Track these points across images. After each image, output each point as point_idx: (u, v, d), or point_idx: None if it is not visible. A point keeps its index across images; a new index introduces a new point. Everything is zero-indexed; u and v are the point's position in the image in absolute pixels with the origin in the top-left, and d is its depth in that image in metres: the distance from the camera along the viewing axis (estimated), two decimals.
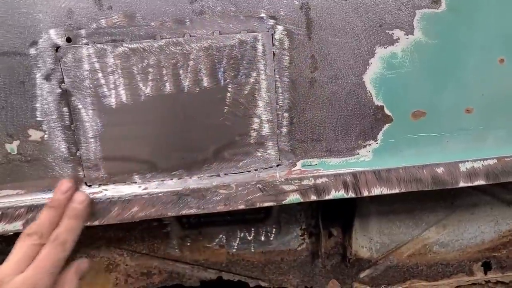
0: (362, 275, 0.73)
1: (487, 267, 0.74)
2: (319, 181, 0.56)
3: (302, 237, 0.71)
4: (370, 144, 0.56)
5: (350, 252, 0.71)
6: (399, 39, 0.52)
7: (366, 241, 0.71)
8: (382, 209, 0.70)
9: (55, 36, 0.49)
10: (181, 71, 0.51)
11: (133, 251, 0.70)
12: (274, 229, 0.71)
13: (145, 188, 0.55)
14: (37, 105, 0.51)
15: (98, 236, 0.68)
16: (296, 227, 0.71)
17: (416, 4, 0.51)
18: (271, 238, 0.71)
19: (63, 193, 0.49)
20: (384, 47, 0.52)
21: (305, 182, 0.56)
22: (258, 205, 0.56)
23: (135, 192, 0.55)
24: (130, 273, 0.71)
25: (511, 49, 0.53)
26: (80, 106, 0.51)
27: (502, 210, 0.72)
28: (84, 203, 0.50)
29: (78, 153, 0.53)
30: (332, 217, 0.70)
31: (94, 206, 0.53)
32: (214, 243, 0.72)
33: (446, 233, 0.72)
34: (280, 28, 0.51)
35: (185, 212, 0.55)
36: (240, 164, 0.56)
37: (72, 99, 0.51)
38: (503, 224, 0.72)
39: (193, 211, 0.55)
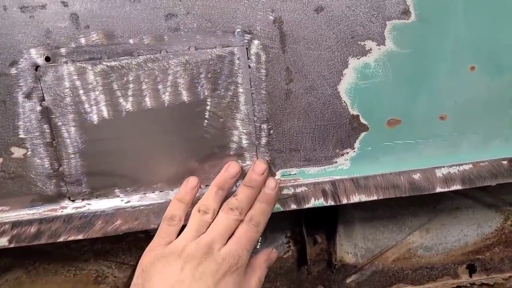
0: (348, 280, 0.74)
1: (471, 269, 0.75)
2: (298, 190, 0.57)
3: (287, 245, 0.72)
4: (347, 153, 0.57)
5: (335, 258, 0.71)
6: (371, 49, 0.53)
7: (350, 247, 0.72)
8: (365, 214, 0.71)
9: (34, 55, 0.50)
10: (160, 86, 0.52)
11: (121, 263, 0.71)
12: (260, 238, 0.72)
13: (128, 202, 0.56)
14: (19, 123, 0.52)
15: (86, 249, 0.69)
16: (281, 235, 0.72)
17: (387, 15, 0.52)
18: (257, 247, 0.71)
19: (260, 174, 0.52)
20: (357, 58, 0.53)
21: (284, 192, 0.57)
22: None
23: (118, 205, 0.56)
24: (119, 285, 0.72)
25: (482, 57, 0.54)
26: (60, 123, 0.52)
27: (484, 213, 0.73)
28: (275, 189, 0.53)
29: (60, 169, 0.54)
30: (316, 224, 0.71)
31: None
32: None
33: (429, 237, 0.73)
34: (255, 42, 0.52)
35: None
36: None
37: (53, 116, 0.52)
38: (485, 227, 0.73)
39: None
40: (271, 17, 0.51)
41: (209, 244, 0.47)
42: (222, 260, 0.47)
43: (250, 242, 0.49)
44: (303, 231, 0.70)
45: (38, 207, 0.55)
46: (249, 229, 0.50)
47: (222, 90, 0.53)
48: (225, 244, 0.48)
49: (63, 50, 0.50)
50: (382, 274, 0.74)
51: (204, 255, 0.46)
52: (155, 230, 0.53)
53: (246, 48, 0.52)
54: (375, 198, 0.57)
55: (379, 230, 0.72)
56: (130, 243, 0.70)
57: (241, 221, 0.50)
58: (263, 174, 0.52)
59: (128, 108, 0.53)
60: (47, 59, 0.50)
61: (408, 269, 0.74)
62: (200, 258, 0.46)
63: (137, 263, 0.69)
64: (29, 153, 0.53)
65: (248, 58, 0.52)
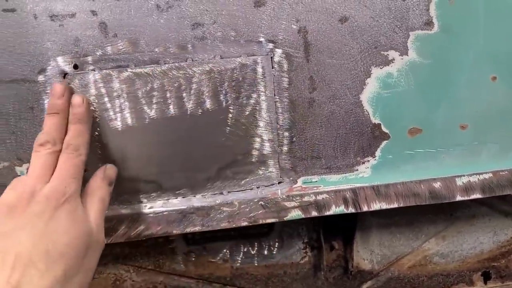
0: (364, 286, 0.74)
1: (486, 276, 0.75)
2: (319, 197, 0.57)
3: (304, 251, 0.73)
4: (368, 161, 0.58)
5: (351, 265, 0.72)
6: (394, 59, 0.53)
7: (367, 254, 0.73)
8: (382, 221, 0.72)
9: (62, 63, 0.51)
10: (184, 94, 0.53)
11: (139, 267, 0.71)
12: (277, 243, 0.72)
13: (151, 207, 0.57)
14: None
15: (105, 253, 0.69)
16: (298, 241, 0.72)
17: (410, 26, 0.52)
18: (274, 252, 0.73)
19: (59, 97, 0.48)
20: (380, 68, 0.54)
21: (306, 199, 0.57)
22: (260, 222, 0.57)
23: (141, 211, 0.56)
24: None
25: (503, 67, 0.55)
26: None
27: (500, 221, 0.73)
28: (84, 105, 0.49)
29: (85, 174, 0.54)
30: (333, 230, 0.72)
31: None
32: (218, 258, 0.73)
33: (445, 244, 0.73)
34: (279, 51, 0.53)
35: (189, 230, 0.57)
36: (243, 182, 0.57)
37: None
38: (501, 235, 0.73)
39: (197, 228, 0.57)
40: (295, 26, 0.52)
41: (30, 190, 0.44)
42: (45, 199, 0.43)
43: (74, 169, 0.46)
44: (320, 237, 0.71)
45: None
46: (69, 156, 0.47)
47: (245, 98, 0.54)
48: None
49: (90, 58, 0.51)
50: (397, 280, 0.74)
51: (26, 202, 0.43)
52: (176, 235, 0.54)
53: (271, 57, 0.52)
54: (395, 206, 0.58)
55: (396, 236, 0.73)
56: (148, 248, 0.71)
57: (60, 151, 0.47)
58: (63, 95, 0.48)
59: (152, 116, 0.53)
60: (75, 66, 0.51)
61: (424, 276, 0.74)
62: (23, 207, 0.43)
63: (155, 267, 0.70)
64: None
65: (272, 67, 0.53)
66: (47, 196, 0.44)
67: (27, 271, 0.39)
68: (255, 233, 0.72)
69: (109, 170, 0.52)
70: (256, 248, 0.73)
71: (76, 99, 0.49)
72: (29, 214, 0.43)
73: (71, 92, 0.50)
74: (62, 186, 0.45)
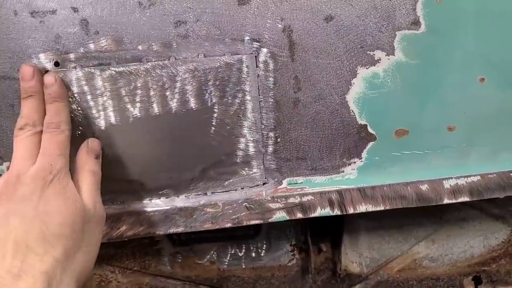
0: None
1: (477, 281, 0.74)
2: (304, 199, 0.57)
3: (292, 253, 0.72)
4: (354, 162, 0.57)
5: (340, 268, 0.71)
6: (380, 59, 0.53)
7: (355, 256, 0.72)
8: (371, 224, 0.71)
9: (44, 60, 0.50)
10: (168, 93, 0.52)
11: (124, 268, 0.71)
12: (264, 245, 0.72)
13: (133, 208, 0.56)
14: None
15: None
16: (286, 243, 0.72)
17: (396, 25, 0.52)
18: (262, 254, 0.72)
19: (30, 79, 0.47)
20: (366, 68, 0.53)
21: (291, 200, 0.57)
22: (245, 223, 0.56)
23: (123, 211, 0.56)
24: None
25: (491, 69, 0.54)
26: None
27: (490, 225, 0.72)
28: (57, 83, 0.48)
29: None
30: (321, 232, 0.71)
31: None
32: (205, 260, 0.72)
33: (435, 248, 0.73)
34: (264, 50, 0.52)
35: (172, 230, 0.56)
36: (227, 183, 0.57)
37: None
38: (492, 239, 0.73)
39: (180, 229, 0.56)
40: (280, 25, 0.51)
41: (16, 174, 0.44)
42: (32, 180, 0.43)
43: (59, 145, 0.46)
44: (308, 240, 0.70)
45: None
46: (52, 134, 0.46)
47: (230, 98, 0.53)
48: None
49: (72, 56, 0.50)
50: (387, 284, 0.73)
51: (13, 186, 0.43)
52: (162, 236, 0.53)
53: (255, 56, 0.52)
54: (381, 208, 0.57)
55: (385, 239, 0.72)
56: (134, 248, 0.70)
57: (42, 132, 0.47)
58: (33, 77, 0.47)
59: (135, 114, 0.53)
60: (56, 64, 0.50)
61: (413, 280, 0.73)
62: (11, 192, 0.43)
63: (141, 268, 0.69)
64: None
65: (257, 66, 0.52)
66: (33, 177, 0.43)
67: (26, 258, 0.39)
68: (242, 235, 0.71)
69: (92, 142, 0.51)
70: (243, 250, 0.72)
71: (48, 78, 0.48)
72: (17, 198, 0.42)
73: (41, 71, 0.49)
74: (48, 164, 0.44)
